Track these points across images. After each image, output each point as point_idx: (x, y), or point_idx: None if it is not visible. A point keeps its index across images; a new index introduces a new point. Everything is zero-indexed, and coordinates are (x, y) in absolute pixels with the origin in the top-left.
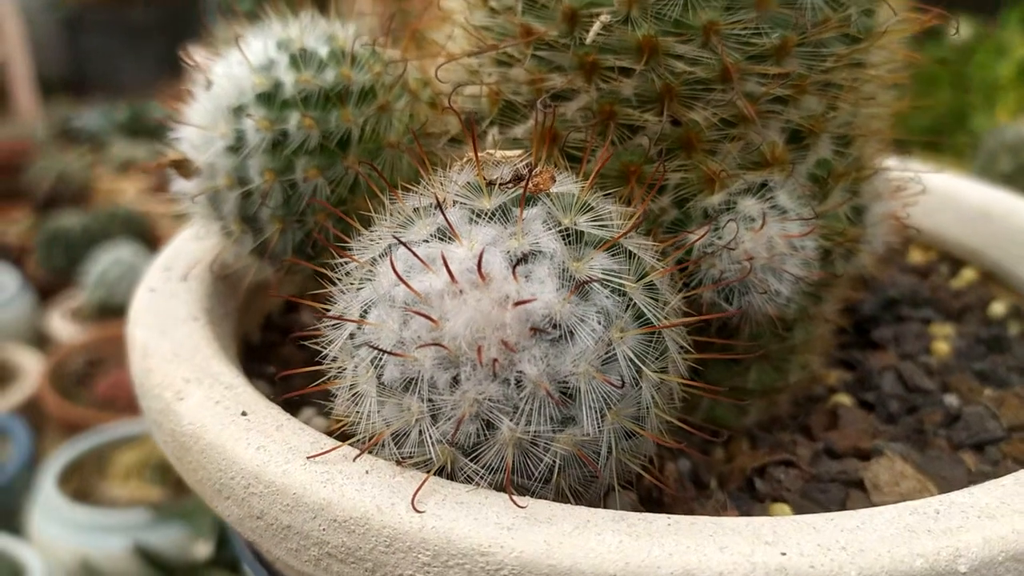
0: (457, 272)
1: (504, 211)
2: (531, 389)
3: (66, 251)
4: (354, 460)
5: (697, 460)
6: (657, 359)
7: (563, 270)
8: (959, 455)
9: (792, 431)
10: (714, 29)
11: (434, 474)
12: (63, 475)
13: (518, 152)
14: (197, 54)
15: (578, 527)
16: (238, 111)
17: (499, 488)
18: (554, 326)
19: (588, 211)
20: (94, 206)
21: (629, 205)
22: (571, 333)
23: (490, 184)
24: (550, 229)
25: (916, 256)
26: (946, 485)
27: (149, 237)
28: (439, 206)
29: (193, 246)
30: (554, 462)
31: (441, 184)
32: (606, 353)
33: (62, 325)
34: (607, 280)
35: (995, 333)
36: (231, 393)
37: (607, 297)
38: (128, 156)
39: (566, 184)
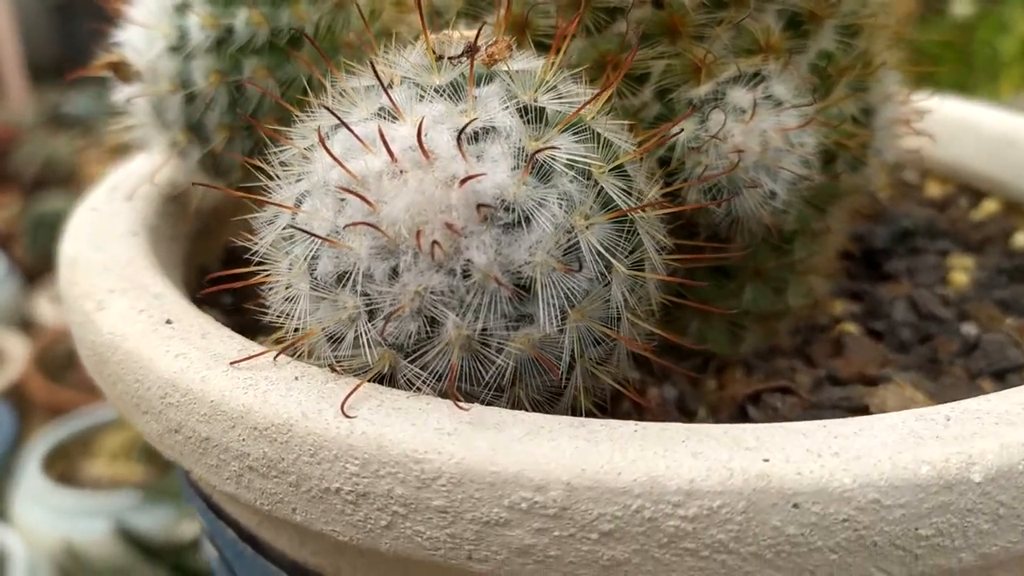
0: (398, 151)
1: (457, 88)
2: (480, 280)
3: (53, 235)
4: (275, 363)
5: (684, 387)
6: (630, 254)
7: (519, 149)
8: (977, 383)
9: (792, 359)
10: None
11: (374, 380)
12: (48, 459)
13: (471, 32)
14: None
15: (530, 432)
16: (182, 8)
17: (446, 395)
18: (507, 209)
19: (552, 90)
20: (82, 190)
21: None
22: (527, 218)
23: (440, 59)
24: (507, 106)
25: (933, 189)
26: None
27: None
28: (376, 76)
29: (146, 166)
30: (508, 365)
31: (389, 63)
32: (568, 242)
33: (49, 309)
34: (571, 161)
35: (1018, 263)
36: (157, 302)
37: (570, 180)
38: (117, 140)
39: (530, 62)
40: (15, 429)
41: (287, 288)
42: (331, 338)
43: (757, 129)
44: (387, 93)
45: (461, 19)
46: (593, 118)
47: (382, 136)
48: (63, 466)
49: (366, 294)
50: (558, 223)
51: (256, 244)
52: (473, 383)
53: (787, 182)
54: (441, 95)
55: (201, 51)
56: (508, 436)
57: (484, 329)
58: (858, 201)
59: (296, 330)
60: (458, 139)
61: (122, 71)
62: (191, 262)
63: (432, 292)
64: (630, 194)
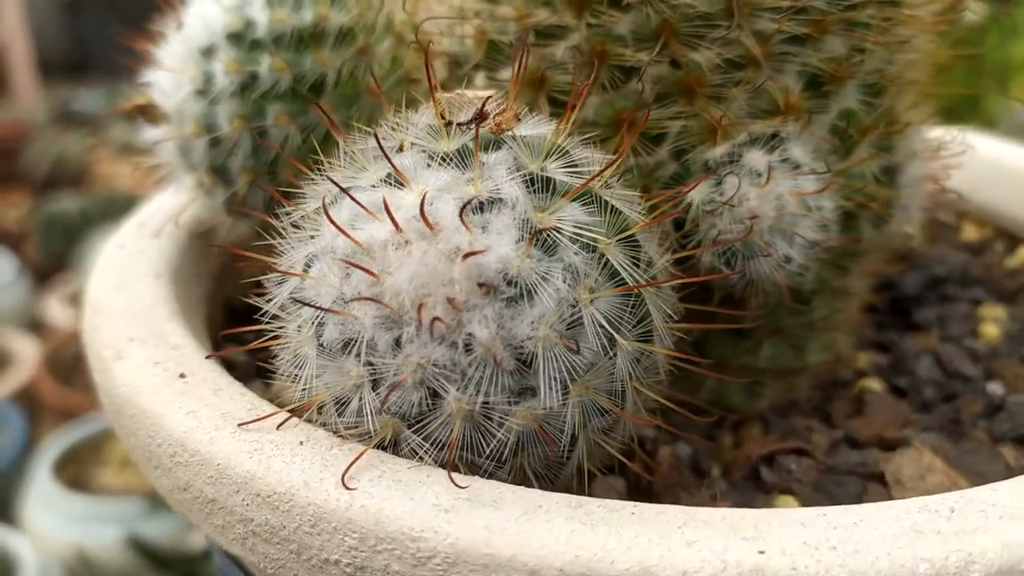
0: (403, 220)
1: (465, 155)
2: (481, 354)
3: (64, 235)
4: (278, 428)
5: (699, 445)
6: (635, 326)
7: (524, 221)
8: (998, 448)
9: (810, 417)
10: None
11: (378, 447)
12: (58, 464)
13: (491, 92)
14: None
15: (527, 512)
16: (208, 52)
17: (446, 464)
18: (510, 283)
19: (562, 156)
20: (92, 189)
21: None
22: (530, 292)
23: (449, 124)
24: (514, 175)
25: (970, 232)
26: (980, 481)
27: None
28: (380, 147)
29: (173, 201)
30: (509, 439)
31: (401, 125)
32: (571, 316)
33: (59, 310)
34: (577, 234)
35: None
36: (175, 354)
37: (576, 253)
38: (127, 139)
39: (540, 127)
40: (27, 432)
41: (295, 351)
42: (336, 404)
43: (773, 193)
44: (391, 162)
45: (480, 71)
46: (603, 186)
47: (386, 206)
48: (74, 471)
49: (370, 363)
50: (562, 297)
51: (267, 304)
52: (475, 454)
53: (803, 246)
54: (448, 162)
55: (225, 96)
56: (505, 515)
57: (486, 402)
58: (883, 256)
59: (304, 392)
60: (461, 211)
61: (149, 113)
62: (216, 298)
63: (434, 364)
64: (638, 265)
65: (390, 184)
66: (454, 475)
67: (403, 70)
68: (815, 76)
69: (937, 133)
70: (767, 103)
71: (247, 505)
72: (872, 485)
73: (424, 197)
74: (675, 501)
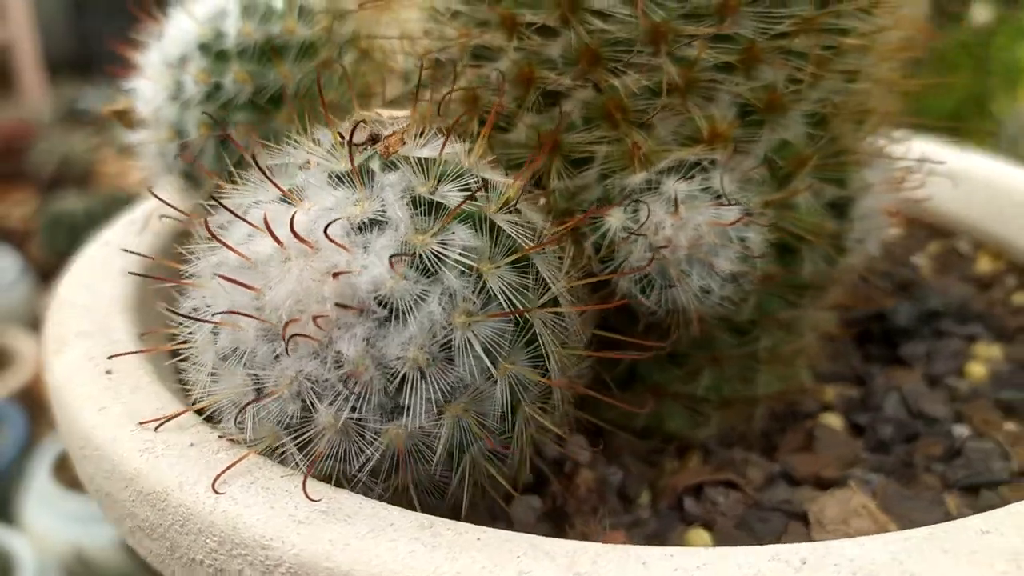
0: (285, 237)
1: (363, 175)
2: (350, 372)
3: (68, 234)
4: (182, 427)
5: (640, 468)
6: (519, 351)
7: (403, 243)
8: (944, 496)
9: (754, 449)
10: None
11: (266, 454)
12: (57, 464)
13: (406, 113)
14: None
15: (374, 529)
16: (182, 62)
17: (327, 476)
18: (382, 304)
19: (457, 179)
20: (98, 189)
21: (540, 180)
22: (402, 314)
23: (349, 144)
24: (402, 197)
25: (984, 264)
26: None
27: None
28: (259, 167)
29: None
30: (380, 455)
31: (314, 141)
32: (445, 339)
33: None
34: (459, 258)
35: None
36: (111, 349)
37: (457, 276)
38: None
39: (451, 148)
40: (28, 431)
41: (196, 356)
42: (227, 409)
43: (690, 223)
44: (271, 180)
45: (427, 88)
46: (504, 209)
47: (267, 223)
48: (73, 471)
49: (254, 374)
50: (434, 321)
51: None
52: (350, 467)
53: (723, 278)
54: (343, 182)
55: (194, 103)
56: (353, 531)
57: (359, 418)
58: (846, 290)
59: (203, 396)
60: (326, 229)
61: (126, 118)
62: None
63: (307, 378)
64: (525, 290)
65: (286, 201)
66: (321, 487)
67: (362, 84)
68: (748, 105)
69: (909, 156)
70: (694, 131)
71: (133, 501)
72: (794, 524)
73: (295, 216)
74: (586, 526)
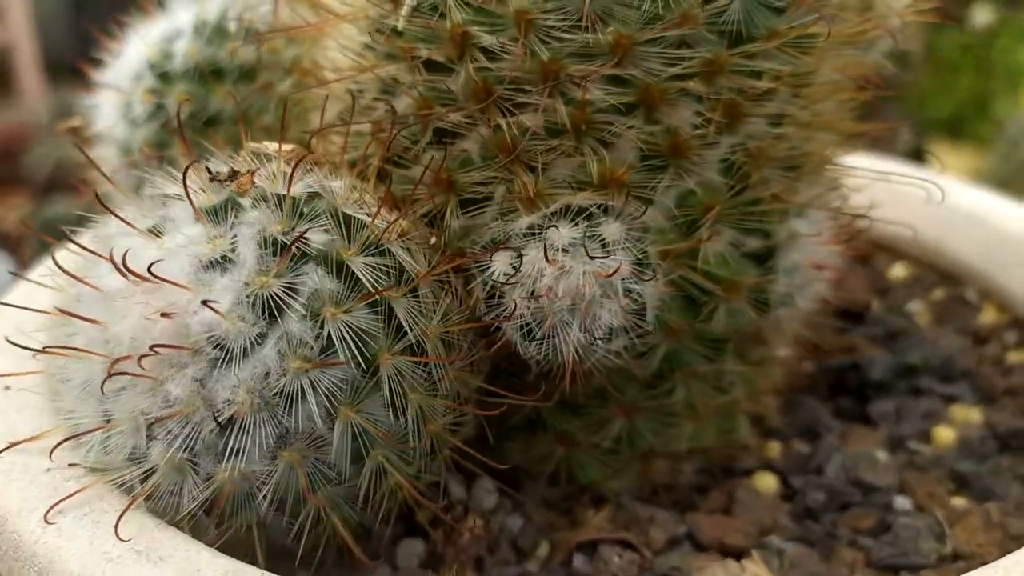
0: (132, 273)
1: (226, 211)
2: (179, 411)
3: (59, 240)
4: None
5: (549, 517)
6: (367, 398)
7: (245, 284)
8: (858, 575)
9: (671, 507)
10: (526, 19)
11: (115, 485)
12: None
13: (290, 147)
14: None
15: (180, 573)
16: (136, 79)
17: (168, 512)
18: (217, 346)
19: (316, 218)
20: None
21: (435, 218)
22: (235, 356)
23: (214, 180)
24: (255, 236)
25: (988, 316)
26: None
27: None
28: (100, 201)
29: None
30: (211, 495)
31: (194, 173)
32: (278, 384)
33: None
34: (305, 302)
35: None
36: (23, 366)
37: (297, 321)
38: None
39: (329, 185)
40: None
41: (59, 381)
42: (78, 438)
43: (573, 272)
44: (119, 217)
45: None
46: (360, 251)
47: (112, 259)
48: None
49: (103, 404)
50: (268, 365)
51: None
52: (184, 503)
53: (606, 331)
54: (204, 218)
55: (140, 122)
56: (158, 573)
57: (192, 457)
58: (786, 344)
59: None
60: (150, 267)
61: (79, 134)
62: None
63: (143, 414)
64: (373, 337)
65: (154, 234)
66: (150, 524)
67: (300, 110)
68: (650, 150)
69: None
70: (590, 175)
71: None
72: None
73: (148, 252)
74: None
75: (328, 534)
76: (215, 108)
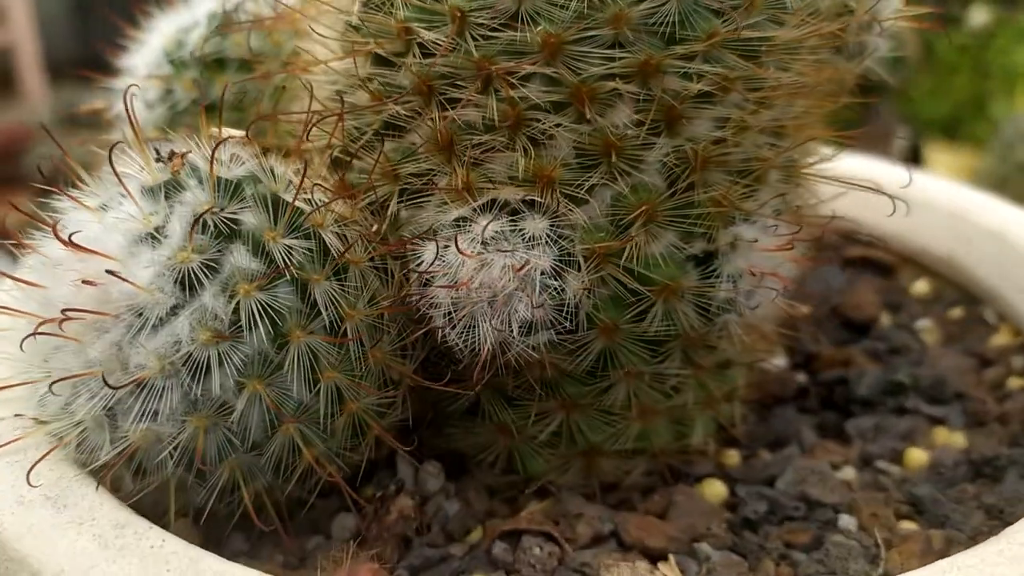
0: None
1: (167, 190)
2: (96, 371)
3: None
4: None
5: (490, 504)
6: (278, 373)
7: (168, 259)
8: None
9: (612, 506)
10: (459, 16)
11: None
12: None
13: (240, 133)
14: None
15: (75, 521)
16: (153, 67)
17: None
18: (137, 314)
19: (242, 200)
20: None
21: (379, 207)
22: (151, 325)
23: (159, 160)
24: (188, 215)
25: (1001, 338)
26: None
27: None
28: (67, 196)
29: None
30: (123, 450)
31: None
32: (186, 354)
33: None
34: (224, 279)
35: (1011, 457)
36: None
37: (212, 296)
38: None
39: (269, 169)
40: None
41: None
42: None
43: (493, 264)
44: (67, 195)
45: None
46: (285, 234)
47: (56, 234)
48: None
49: (44, 362)
50: (178, 335)
51: None
52: (95, 457)
53: (523, 324)
54: (144, 196)
55: (154, 106)
56: (54, 520)
57: (109, 414)
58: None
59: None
60: (73, 236)
61: (101, 117)
62: None
63: (70, 372)
64: (283, 319)
65: (103, 209)
66: (71, 474)
67: (288, 97)
68: (586, 147)
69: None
70: (523, 170)
71: None
72: None
73: (89, 225)
74: (381, 554)
75: (257, 502)
76: (216, 95)
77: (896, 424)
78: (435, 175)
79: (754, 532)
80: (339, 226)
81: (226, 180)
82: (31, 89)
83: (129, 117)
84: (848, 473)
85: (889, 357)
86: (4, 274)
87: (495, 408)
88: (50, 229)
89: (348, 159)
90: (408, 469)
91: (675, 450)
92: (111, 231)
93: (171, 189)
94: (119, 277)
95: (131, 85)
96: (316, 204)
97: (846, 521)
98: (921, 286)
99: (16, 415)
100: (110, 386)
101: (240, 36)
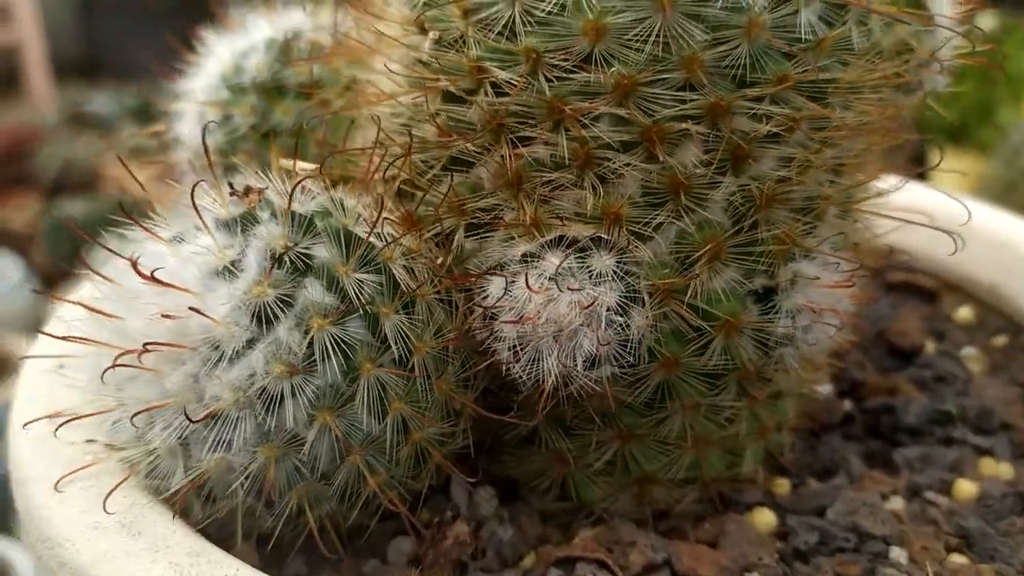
0: (147, 275)
1: (243, 224)
2: (173, 402)
3: (70, 240)
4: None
5: (542, 529)
6: (349, 405)
7: (244, 293)
8: None
9: (664, 534)
10: (533, 56)
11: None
12: None
13: (313, 167)
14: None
15: (150, 548)
16: (211, 91)
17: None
18: (213, 347)
19: (316, 236)
20: (103, 193)
21: (444, 239)
22: (227, 358)
23: (233, 194)
24: (264, 249)
25: None
26: None
27: None
28: (144, 229)
29: None
30: (195, 479)
31: (225, 184)
32: (261, 388)
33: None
34: (298, 313)
35: None
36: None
37: (288, 330)
38: (137, 143)
39: (342, 203)
40: None
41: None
42: (101, 417)
43: (562, 300)
44: (146, 229)
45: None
46: (358, 268)
47: (134, 265)
48: None
49: (118, 390)
50: (254, 368)
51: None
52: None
53: (588, 359)
54: (219, 229)
55: (212, 131)
56: (128, 547)
57: (184, 444)
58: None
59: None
60: (152, 274)
61: (160, 138)
62: None
63: (147, 403)
64: (356, 350)
65: (178, 241)
66: (142, 500)
67: (349, 127)
68: (653, 185)
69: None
70: (591, 207)
71: (17, 487)
72: None
73: (166, 258)
74: None
75: (319, 526)
76: (275, 122)
77: (944, 454)
78: (501, 210)
79: (804, 563)
80: (406, 259)
81: (299, 214)
82: (37, 89)
83: (206, 152)
84: (896, 504)
85: (935, 385)
86: (89, 307)
87: (553, 437)
88: (128, 260)
89: (413, 192)
90: (462, 494)
91: (726, 478)
92: (187, 264)
93: (245, 223)
94: (199, 312)
95: (210, 121)
96: (386, 239)
97: (896, 554)
98: (965, 312)
99: (87, 440)
100: (188, 417)
101: (297, 63)
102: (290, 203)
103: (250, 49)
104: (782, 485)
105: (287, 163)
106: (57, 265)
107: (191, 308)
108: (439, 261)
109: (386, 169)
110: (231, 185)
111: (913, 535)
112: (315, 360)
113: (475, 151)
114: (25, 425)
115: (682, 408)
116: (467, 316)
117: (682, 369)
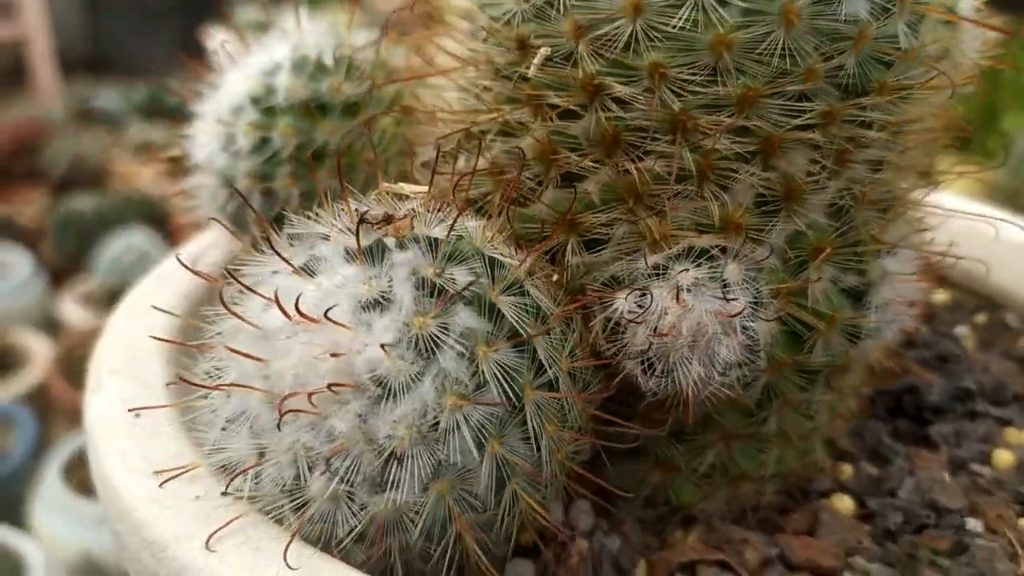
0: (293, 312)
1: (376, 252)
2: (340, 445)
3: (78, 236)
4: (192, 476)
5: (644, 537)
6: (510, 431)
7: (404, 324)
8: None
9: (756, 528)
10: (660, 72)
11: (263, 513)
12: (68, 466)
13: (422, 189)
14: (218, 38)
15: None
16: (235, 113)
17: (315, 538)
18: (379, 383)
19: (463, 261)
20: (110, 189)
21: (555, 256)
22: (395, 393)
23: (363, 222)
24: (409, 277)
25: None
26: None
27: (164, 223)
28: (270, 243)
29: (220, 239)
30: (367, 524)
31: (338, 214)
32: (434, 420)
33: (73, 310)
34: (457, 341)
35: None
36: (144, 392)
37: (452, 359)
38: (144, 139)
39: (465, 226)
40: (37, 433)
41: (212, 413)
42: (231, 467)
43: (695, 311)
44: (283, 259)
45: (453, 158)
46: (503, 292)
47: (276, 299)
48: (84, 475)
49: (257, 437)
50: (426, 401)
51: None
52: (338, 531)
53: (724, 366)
54: (358, 258)
55: (243, 154)
56: None
57: (349, 489)
58: (865, 375)
59: (213, 451)
60: (328, 310)
61: (178, 164)
62: None
63: (303, 448)
64: (519, 374)
65: (306, 272)
66: (306, 551)
67: (403, 143)
68: (765, 194)
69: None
70: (709, 217)
71: (139, 547)
72: None
73: (305, 292)
74: None
75: (460, 557)
76: (320, 142)
77: (973, 428)
78: (615, 224)
79: (895, 542)
80: (532, 279)
81: (436, 239)
82: (44, 84)
83: (341, 179)
84: (947, 478)
85: (940, 364)
86: (231, 349)
87: (661, 444)
88: (268, 298)
89: (517, 209)
90: (558, 510)
91: (802, 469)
92: (333, 298)
93: (378, 251)
94: (382, 348)
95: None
96: (514, 259)
97: (972, 524)
98: (940, 295)
99: (223, 494)
100: (362, 461)
101: (336, 81)
102: (451, 229)
103: (274, 67)
104: (845, 471)
105: (393, 186)
106: (65, 260)
107: (381, 345)
108: (555, 279)
109: (480, 186)
110: (361, 214)
111: (986, 505)
112: (485, 389)
113: (590, 166)
114: (162, 485)
115: (781, 406)
116: (586, 333)
117: (788, 369)
